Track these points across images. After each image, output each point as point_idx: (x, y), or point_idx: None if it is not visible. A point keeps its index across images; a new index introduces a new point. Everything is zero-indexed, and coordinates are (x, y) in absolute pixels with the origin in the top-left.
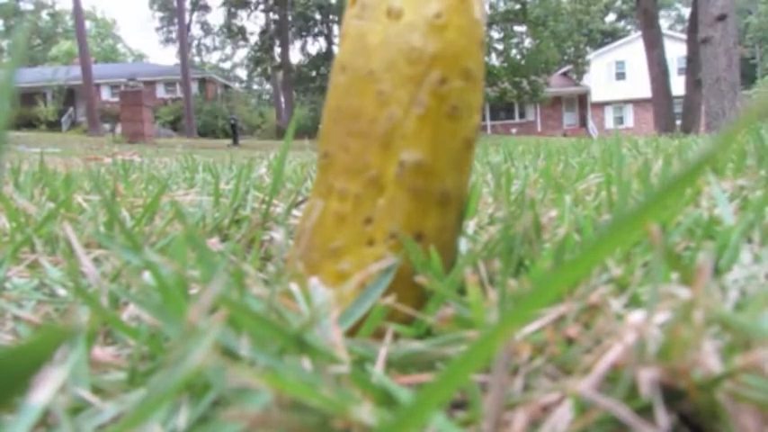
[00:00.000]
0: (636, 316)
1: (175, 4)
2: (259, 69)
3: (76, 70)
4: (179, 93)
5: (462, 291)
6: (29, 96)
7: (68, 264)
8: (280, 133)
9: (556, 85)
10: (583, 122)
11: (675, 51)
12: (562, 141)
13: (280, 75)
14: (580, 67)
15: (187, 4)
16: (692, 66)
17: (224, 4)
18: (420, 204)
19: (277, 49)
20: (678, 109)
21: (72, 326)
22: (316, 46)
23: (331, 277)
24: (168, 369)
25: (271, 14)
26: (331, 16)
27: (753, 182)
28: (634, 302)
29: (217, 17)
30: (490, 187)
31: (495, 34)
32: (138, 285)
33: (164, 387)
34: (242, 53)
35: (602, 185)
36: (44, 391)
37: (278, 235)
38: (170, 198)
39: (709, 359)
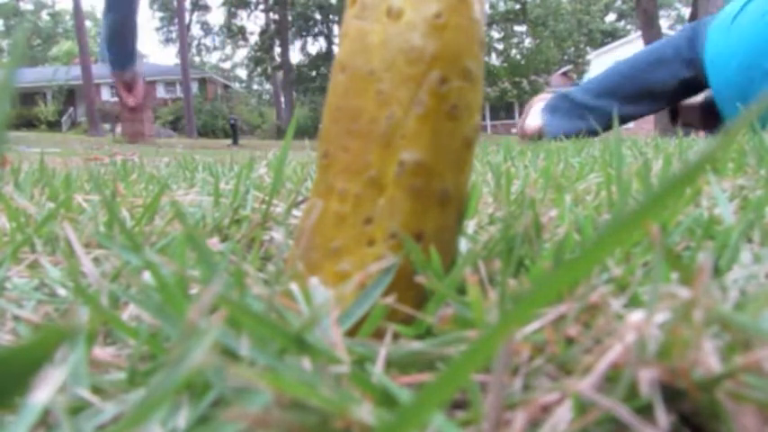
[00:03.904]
0: (636, 316)
1: (175, 4)
2: (259, 69)
3: (76, 70)
4: (179, 93)
5: (462, 291)
6: (29, 96)
7: (68, 264)
8: (280, 133)
9: (556, 85)
10: None
11: None
12: (563, 141)
13: (280, 75)
14: (580, 67)
15: (187, 4)
16: None
17: (224, 4)
18: (420, 204)
19: (277, 49)
20: None
21: (72, 326)
22: (316, 46)
23: (331, 277)
24: (168, 369)
25: (271, 14)
26: (331, 16)
27: (753, 181)
28: (634, 302)
29: (217, 17)
30: (490, 187)
31: (495, 34)
32: (138, 285)
33: (164, 387)
34: (242, 53)
35: (602, 185)
36: (44, 391)
37: (278, 235)
38: (170, 198)
39: (709, 359)
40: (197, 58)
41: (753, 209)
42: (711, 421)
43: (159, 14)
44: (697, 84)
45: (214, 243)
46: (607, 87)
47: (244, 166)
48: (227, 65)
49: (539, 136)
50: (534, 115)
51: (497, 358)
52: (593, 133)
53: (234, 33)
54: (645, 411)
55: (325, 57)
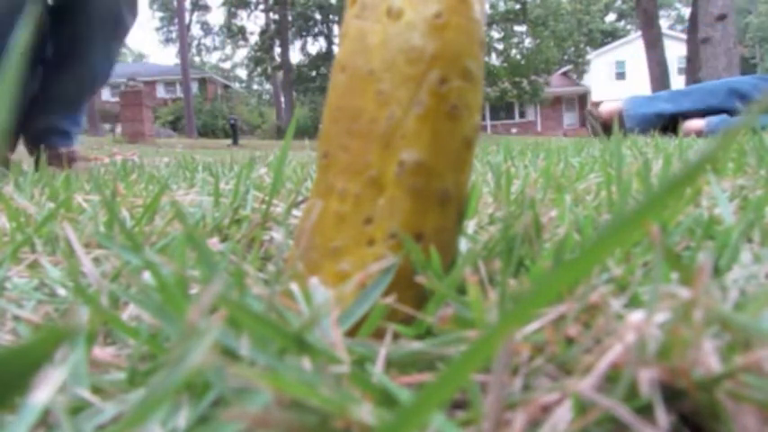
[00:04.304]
0: (636, 316)
1: (175, 4)
2: (259, 69)
3: None
4: (179, 93)
5: (462, 291)
6: None
7: (68, 264)
8: (280, 133)
9: (556, 85)
10: (583, 122)
11: (675, 51)
12: (563, 141)
13: (280, 75)
14: (580, 67)
15: (187, 4)
16: (692, 66)
17: (224, 4)
18: (420, 204)
19: (277, 49)
20: None
21: (72, 326)
22: (316, 46)
23: (331, 277)
24: (168, 369)
25: (271, 14)
26: (331, 16)
27: (753, 181)
28: (634, 302)
29: (217, 17)
30: (490, 187)
31: (495, 34)
32: (138, 285)
33: (164, 387)
34: (242, 53)
35: (602, 185)
36: (44, 391)
37: (278, 235)
38: (170, 198)
39: (709, 359)
40: (197, 58)
41: (753, 209)
42: (711, 421)
43: (159, 14)
44: None
45: (214, 243)
46: (694, 88)
47: (244, 166)
48: (227, 65)
49: (615, 121)
50: (612, 101)
51: (497, 358)
52: (673, 120)
53: (234, 33)
54: (645, 411)
55: (325, 57)
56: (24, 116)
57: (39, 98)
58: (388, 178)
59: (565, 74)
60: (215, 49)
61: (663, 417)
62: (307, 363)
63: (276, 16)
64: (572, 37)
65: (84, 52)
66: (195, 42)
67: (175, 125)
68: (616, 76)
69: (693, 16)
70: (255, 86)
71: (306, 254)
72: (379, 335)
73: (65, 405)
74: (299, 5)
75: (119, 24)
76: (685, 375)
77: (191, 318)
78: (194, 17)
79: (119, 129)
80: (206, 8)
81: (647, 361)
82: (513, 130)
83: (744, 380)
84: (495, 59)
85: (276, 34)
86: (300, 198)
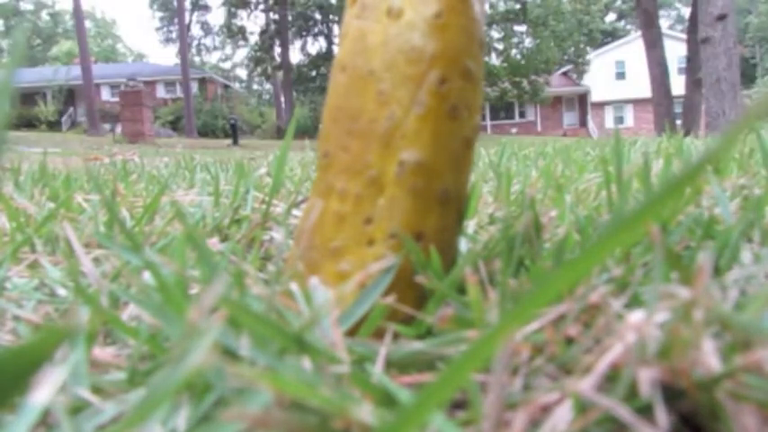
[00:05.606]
0: (636, 316)
1: (175, 4)
2: (259, 69)
3: (76, 70)
4: (179, 93)
5: (462, 290)
6: (29, 96)
7: (68, 264)
8: (280, 133)
9: (556, 84)
10: (583, 122)
11: (675, 51)
12: (563, 141)
13: (280, 75)
14: (580, 67)
15: (187, 4)
16: (692, 66)
17: (224, 4)
18: (420, 204)
19: (277, 49)
20: (678, 109)
21: (72, 326)
22: (316, 46)
23: (331, 277)
24: (168, 369)
25: (271, 14)
26: (331, 16)
27: (753, 181)
28: (634, 302)
29: (217, 17)
30: (490, 187)
31: (495, 34)
32: (138, 285)
33: (164, 387)
34: (242, 53)
35: (602, 185)
36: (44, 391)
37: (278, 235)
38: (170, 198)
39: (709, 359)
40: (197, 58)
41: (753, 209)
42: (711, 421)
43: (159, 14)
44: None
45: (214, 243)
46: None
47: (237, 167)
48: (227, 65)
49: None
50: None
51: (497, 358)
52: None
53: (234, 33)
54: (645, 411)
55: (326, 57)
56: None
57: None
58: (388, 178)
59: (565, 74)
60: (215, 49)
61: (663, 417)
62: (307, 363)
63: (276, 16)
64: (572, 37)
65: None
66: (195, 42)
67: (175, 125)
68: (616, 76)
69: (693, 16)
70: (255, 86)
71: (306, 254)
72: (379, 335)
73: (65, 405)
74: (299, 5)
75: None
76: (685, 375)
77: (191, 318)
78: (194, 17)
79: (119, 129)
80: (206, 8)
81: (647, 361)
82: (513, 130)
83: (744, 380)
84: (495, 59)
85: (276, 34)
86: (300, 198)
